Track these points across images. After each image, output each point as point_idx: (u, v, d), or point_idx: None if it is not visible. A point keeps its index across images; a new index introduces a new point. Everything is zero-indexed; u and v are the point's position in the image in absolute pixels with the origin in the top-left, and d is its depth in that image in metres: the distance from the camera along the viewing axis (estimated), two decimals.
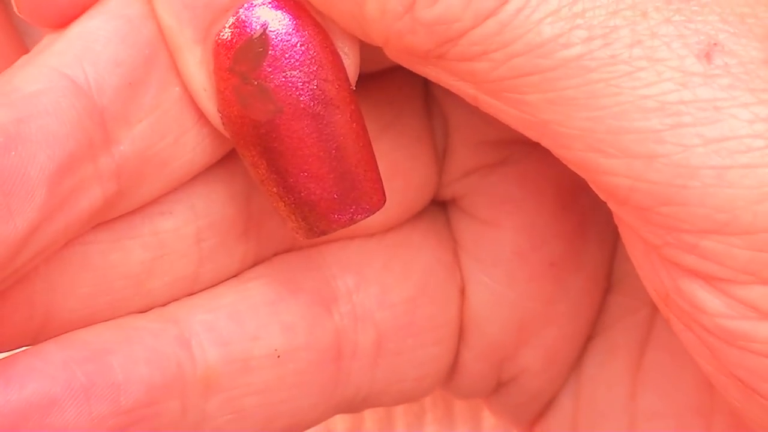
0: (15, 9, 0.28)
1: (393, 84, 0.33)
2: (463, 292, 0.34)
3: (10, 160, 0.26)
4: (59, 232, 0.28)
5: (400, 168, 0.33)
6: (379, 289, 0.33)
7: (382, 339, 0.33)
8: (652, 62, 0.26)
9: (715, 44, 0.26)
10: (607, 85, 0.26)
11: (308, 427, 0.33)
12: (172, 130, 0.29)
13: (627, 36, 0.26)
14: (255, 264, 0.32)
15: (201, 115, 0.29)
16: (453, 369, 0.35)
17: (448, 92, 0.33)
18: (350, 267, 0.33)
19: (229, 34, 0.28)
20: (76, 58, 0.28)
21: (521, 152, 0.33)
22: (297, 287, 0.32)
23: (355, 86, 0.29)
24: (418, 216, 0.34)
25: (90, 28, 0.28)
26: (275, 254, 0.33)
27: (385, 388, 0.34)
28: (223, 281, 0.31)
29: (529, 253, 0.33)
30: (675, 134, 0.26)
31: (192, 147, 0.29)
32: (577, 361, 0.35)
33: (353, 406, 0.34)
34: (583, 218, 0.34)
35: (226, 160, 0.30)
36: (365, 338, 0.33)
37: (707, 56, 0.26)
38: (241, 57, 0.28)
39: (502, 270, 0.34)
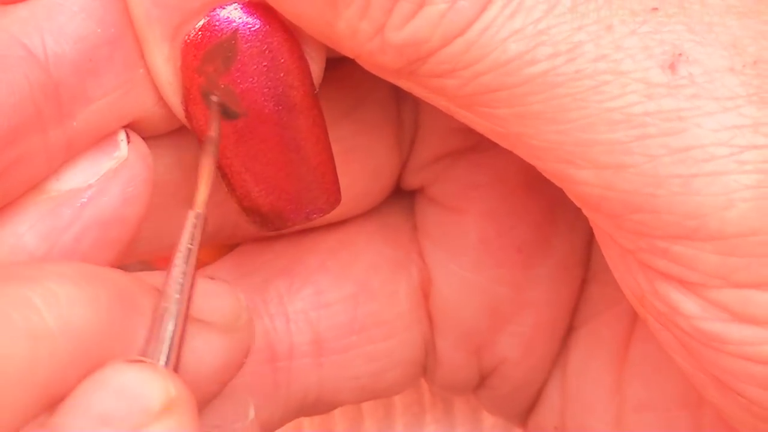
0: None
1: (358, 70, 0.33)
2: (420, 287, 0.35)
3: None
4: None
5: (355, 154, 0.33)
6: (313, 289, 0.34)
7: (321, 338, 0.34)
8: (617, 75, 0.26)
9: (680, 54, 0.26)
10: (573, 100, 0.26)
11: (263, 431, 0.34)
12: (132, 111, 0.29)
13: (591, 51, 0.26)
14: None
15: (160, 98, 0.29)
16: (433, 361, 0.35)
17: None
18: (282, 270, 0.34)
19: (200, 35, 0.28)
20: (37, 28, 0.28)
21: (490, 140, 0.34)
22: None
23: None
24: (367, 215, 0.35)
25: None
26: (221, 227, 0.33)
27: (339, 385, 0.34)
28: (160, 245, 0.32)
29: (495, 239, 0.34)
30: (641, 145, 0.26)
31: (148, 128, 0.30)
32: (560, 352, 0.35)
33: (308, 407, 0.34)
34: (551, 205, 0.34)
35: (176, 130, 0.31)
36: (301, 338, 0.34)
37: (671, 67, 0.26)
38: (210, 59, 0.28)
39: (470, 257, 0.34)
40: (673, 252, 0.27)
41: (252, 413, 0.30)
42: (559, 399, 0.36)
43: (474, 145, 0.34)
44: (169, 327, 0.26)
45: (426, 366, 0.36)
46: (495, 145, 0.33)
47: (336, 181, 0.30)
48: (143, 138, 0.30)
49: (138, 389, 0.25)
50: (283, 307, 0.34)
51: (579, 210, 0.34)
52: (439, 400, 0.41)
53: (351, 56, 0.28)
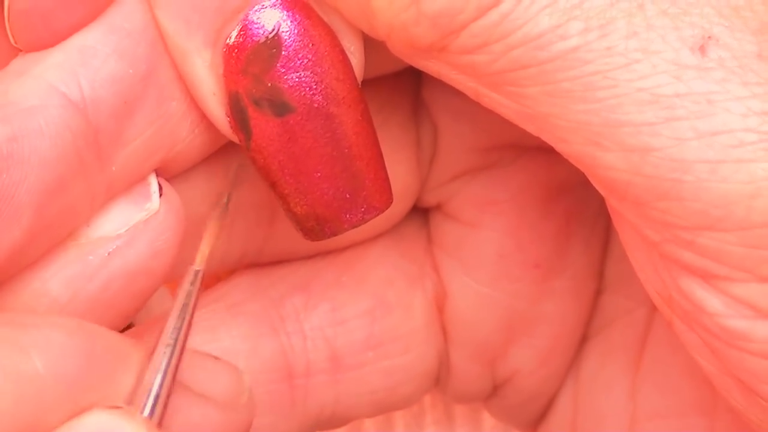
0: (11, 40, 0.28)
1: (381, 93, 0.33)
2: (435, 300, 0.35)
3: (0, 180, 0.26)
4: (43, 247, 0.28)
5: None
6: (329, 305, 0.34)
7: (338, 354, 0.34)
8: (648, 54, 0.26)
9: (709, 37, 0.26)
10: (603, 77, 0.26)
11: None
12: (165, 146, 0.29)
13: (623, 28, 0.26)
14: (221, 261, 0.33)
15: (194, 127, 0.29)
16: (447, 372, 0.35)
17: (438, 99, 0.33)
18: (298, 286, 0.34)
19: (242, 36, 0.28)
20: (72, 74, 0.27)
21: (508, 157, 0.34)
22: (239, 312, 0.33)
23: None
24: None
25: (89, 41, 0.28)
26: (244, 254, 0.33)
27: (355, 401, 0.34)
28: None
29: (514, 255, 0.34)
30: (669, 127, 0.26)
31: (182, 162, 0.29)
32: (573, 363, 0.35)
33: (323, 422, 0.34)
34: (568, 221, 0.34)
35: (206, 160, 0.30)
36: (318, 356, 0.34)
37: (701, 49, 0.26)
38: (254, 58, 0.28)
39: (488, 272, 0.34)
40: (699, 244, 0.26)
41: None
42: (570, 409, 0.35)
43: (493, 164, 0.34)
44: (155, 379, 0.26)
45: (439, 377, 0.36)
46: (512, 162, 0.34)
47: (387, 179, 0.30)
48: (175, 173, 0.30)
49: None
50: (299, 324, 0.34)
51: (593, 224, 0.34)
52: (440, 401, 0.41)
53: (383, 35, 0.28)
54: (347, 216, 0.29)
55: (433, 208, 0.35)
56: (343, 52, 0.29)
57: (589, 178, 0.28)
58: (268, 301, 0.34)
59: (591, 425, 0.35)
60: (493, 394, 0.36)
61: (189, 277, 0.28)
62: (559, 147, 0.27)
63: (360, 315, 0.34)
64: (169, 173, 0.29)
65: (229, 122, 0.29)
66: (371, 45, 0.29)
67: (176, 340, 0.27)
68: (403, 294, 0.35)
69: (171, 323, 0.27)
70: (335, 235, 0.30)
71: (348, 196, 0.29)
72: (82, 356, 0.25)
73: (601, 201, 0.29)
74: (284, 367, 0.33)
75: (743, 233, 0.26)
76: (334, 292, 0.34)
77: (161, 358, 0.27)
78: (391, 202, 0.30)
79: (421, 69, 0.28)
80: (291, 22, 0.28)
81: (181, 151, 0.29)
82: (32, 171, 0.27)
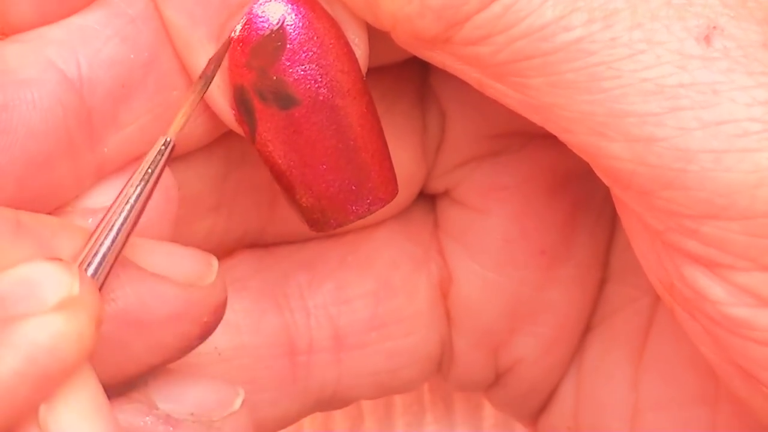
0: None
1: (385, 81, 0.33)
2: (439, 284, 0.35)
3: None
4: None
5: None
6: (334, 284, 0.34)
7: (341, 333, 0.34)
8: (652, 45, 0.26)
9: (714, 27, 0.26)
10: (607, 68, 0.26)
11: (278, 426, 0.34)
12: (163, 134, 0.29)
13: (627, 18, 0.26)
14: (222, 239, 0.33)
15: (196, 117, 0.29)
16: (449, 359, 0.35)
17: (446, 87, 0.33)
18: (303, 265, 0.34)
19: (246, 30, 0.28)
20: (72, 52, 0.28)
21: (516, 144, 0.34)
22: (242, 287, 0.33)
23: None
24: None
25: (91, 22, 0.28)
26: (245, 233, 0.33)
27: (357, 381, 0.34)
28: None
29: (519, 241, 0.34)
30: (673, 117, 0.26)
31: (182, 148, 0.29)
32: (576, 352, 0.35)
33: (324, 403, 0.34)
34: (574, 209, 0.34)
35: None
36: (321, 333, 0.34)
37: (706, 39, 0.26)
38: (259, 52, 0.28)
39: (493, 257, 0.34)
40: (703, 232, 0.26)
41: (238, 403, 0.29)
42: (573, 399, 0.35)
43: (500, 151, 0.34)
44: (102, 238, 0.26)
45: (441, 363, 0.36)
46: (520, 149, 0.34)
47: (392, 170, 0.30)
48: (173, 156, 0.29)
49: (40, 279, 0.24)
50: (303, 301, 0.34)
51: (599, 212, 0.34)
52: (440, 400, 0.40)
53: (388, 27, 0.28)
54: (353, 207, 0.30)
55: (441, 194, 0.35)
56: (347, 44, 0.29)
57: (594, 168, 0.28)
58: (272, 278, 0.34)
59: (593, 415, 0.35)
60: (495, 383, 0.36)
61: (157, 146, 0.27)
62: (563, 137, 0.27)
63: (364, 295, 0.34)
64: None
65: (234, 115, 0.29)
66: (375, 34, 0.29)
67: (131, 207, 0.26)
68: (407, 277, 0.35)
69: (127, 191, 0.26)
70: (341, 226, 0.30)
71: (353, 187, 0.29)
72: (9, 223, 0.25)
73: (607, 191, 0.29)
74: (287, 343, 0.33)
75: (747, 222, 0.26)
76: (339, 272, 0.34)
77: (111, 222, 0.26)
78: (397, 193, 0.30)
79: (426, 59, 0.28)
80: (295, 15, 0.28)
81: (181, 140, 0.29)
82: (18, 141, 0.27)
